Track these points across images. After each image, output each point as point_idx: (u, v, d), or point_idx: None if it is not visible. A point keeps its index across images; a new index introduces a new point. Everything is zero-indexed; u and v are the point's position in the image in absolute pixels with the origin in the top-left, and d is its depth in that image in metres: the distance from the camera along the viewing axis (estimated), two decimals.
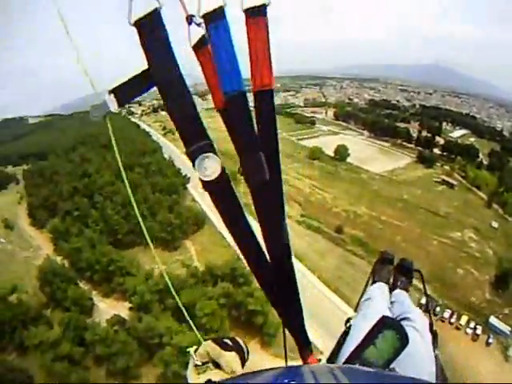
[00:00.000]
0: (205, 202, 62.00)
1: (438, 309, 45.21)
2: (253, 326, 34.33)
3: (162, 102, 1.26)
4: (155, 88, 1.25)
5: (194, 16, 1.29)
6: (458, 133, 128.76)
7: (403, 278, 2.94)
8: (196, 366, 1.22)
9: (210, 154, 1.25)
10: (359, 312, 2.46)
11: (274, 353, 32.82)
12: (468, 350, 39.71)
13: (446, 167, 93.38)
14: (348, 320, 2.34)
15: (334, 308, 40.84)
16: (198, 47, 1.39)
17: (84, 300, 38.23)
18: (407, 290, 2.87)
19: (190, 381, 1.21)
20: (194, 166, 1.24)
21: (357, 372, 1.13)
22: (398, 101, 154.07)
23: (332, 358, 2.03)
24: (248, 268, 1.63)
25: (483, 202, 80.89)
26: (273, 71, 1.31)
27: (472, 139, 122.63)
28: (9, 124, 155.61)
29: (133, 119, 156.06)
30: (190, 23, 1.31)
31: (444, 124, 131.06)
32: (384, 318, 1.27)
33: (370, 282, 2.97)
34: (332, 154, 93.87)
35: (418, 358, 1.85)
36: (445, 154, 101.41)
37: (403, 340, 1.24)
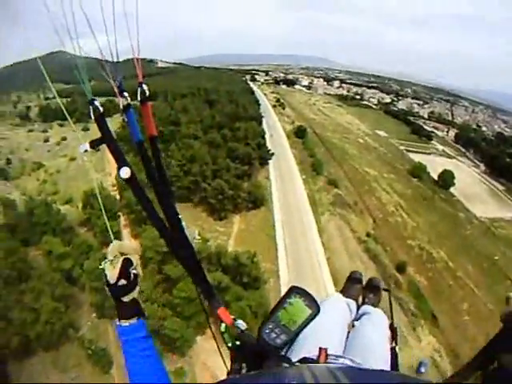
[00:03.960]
0: (276, 184, 59.09)
1: None
2: None
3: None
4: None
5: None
6: None
7: (371, 295, 2.94)
8: (110, 261, 1.45)
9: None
10: None
11: None
12: None
13: None
14: None
15: None
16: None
17: (107, 232, 38.22)
18: (375, 306, 2.86)
19: (108, 275, 1.42)
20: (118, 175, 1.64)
21: (357, 372, 1.20)
22: None
23: None
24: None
25: None
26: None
27: None
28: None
29: (252, 85, 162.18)
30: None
31: None
32: (292, 287, 1.35)
33: None
34: (435, 178, 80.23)
35: (370, 346, 2.10)
36: None
37: (312, 307, 1.31)
